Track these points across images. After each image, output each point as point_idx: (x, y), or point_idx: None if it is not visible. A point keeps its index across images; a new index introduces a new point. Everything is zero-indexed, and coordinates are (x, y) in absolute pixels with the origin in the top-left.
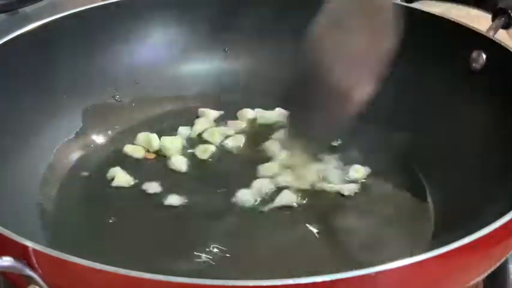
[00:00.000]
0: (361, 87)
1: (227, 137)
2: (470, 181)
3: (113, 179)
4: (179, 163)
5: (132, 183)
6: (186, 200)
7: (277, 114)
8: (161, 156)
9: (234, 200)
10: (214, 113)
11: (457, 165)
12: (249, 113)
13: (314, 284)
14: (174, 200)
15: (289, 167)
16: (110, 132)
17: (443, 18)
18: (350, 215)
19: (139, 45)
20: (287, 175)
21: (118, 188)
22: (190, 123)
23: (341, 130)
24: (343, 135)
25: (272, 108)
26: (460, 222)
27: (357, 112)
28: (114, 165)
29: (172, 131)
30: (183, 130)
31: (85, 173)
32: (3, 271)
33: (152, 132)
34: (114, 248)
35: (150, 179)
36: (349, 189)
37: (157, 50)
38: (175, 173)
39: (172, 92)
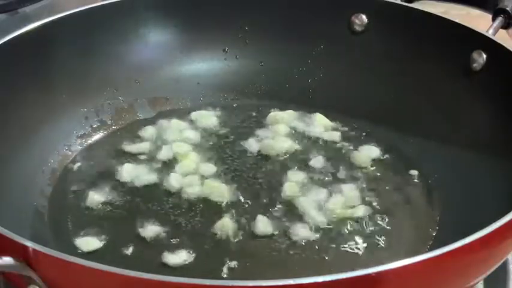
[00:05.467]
0: None
1: None
2: (472, 180)
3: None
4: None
5: (133, 181)
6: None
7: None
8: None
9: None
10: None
11: (459, 165)
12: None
13: (314, 284)
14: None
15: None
16: (109, 131)
17: (443, 18)
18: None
19: (139, 45)
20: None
21: (119, 186)
22: (191, 125)
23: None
24: (343, 135)
25: (271, 108)
26: (462, 222)
27: (357, 112)
28: (114, 165)
29: (173, 132)
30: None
31: (85, 173)
32: (3, 271)
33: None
34: (114, 248)
35: (150, 178)
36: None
37: (157, 50)
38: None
39: (172, 92)
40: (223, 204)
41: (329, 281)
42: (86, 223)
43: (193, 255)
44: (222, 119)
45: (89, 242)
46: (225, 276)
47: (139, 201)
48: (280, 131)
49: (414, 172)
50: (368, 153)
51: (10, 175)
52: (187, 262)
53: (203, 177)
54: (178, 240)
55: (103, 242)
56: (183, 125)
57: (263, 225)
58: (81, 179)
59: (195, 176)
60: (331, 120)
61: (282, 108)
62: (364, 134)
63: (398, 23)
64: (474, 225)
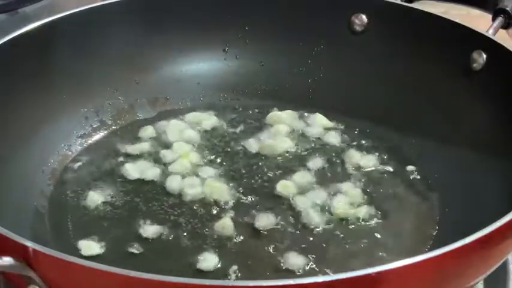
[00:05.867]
0: None
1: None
2: (472, 180)
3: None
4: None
5: (133, 181)
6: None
7: None
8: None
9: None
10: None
11: (459, 165)
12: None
13: (315, 284)
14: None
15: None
16: (109, 131)
17: (443, 18)
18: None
19: (139, 45)
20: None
21: (119, 186)
22: (191, 125)
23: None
24: (343, 136)
25: (271, 108)
26: (462, 222)
27: (357, 112)
28: (114, 165)
29: (173, 132)
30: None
31: (85, 173)
32: (3, 271)
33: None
34: (114, 248)
35: (150, 178)
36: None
37: (157, 50)
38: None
39: (172, 92)
40: (224, 204)
41: (329, 281)
42: (86, 223)
43: (193, 255)
44: (222, 119)
45: (90, 246)
46: (225, 276)
47: (139, 201)
48: (280, 131)
49: (414, 172)
50: (368, 153)
51: (10, 175)
52: (187, 262)
53: (203, 178)
54: (178, 240)
55: (103, 243)
56: (183, 125)
57: (263, 225)
58: (81, 179)
59: (195, 176)
60: (331, 120)
61: (282, 108)
62: (364, 134)
63: (398, 23)
64: (474, 225)
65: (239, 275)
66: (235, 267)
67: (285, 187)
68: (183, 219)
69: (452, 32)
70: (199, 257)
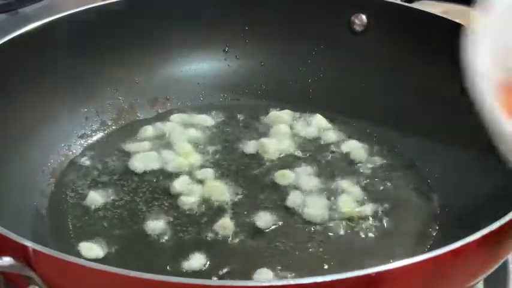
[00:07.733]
0: None
1: None
2: (472, 180)
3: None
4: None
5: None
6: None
7: None
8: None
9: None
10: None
11: (459, 165)
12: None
13: (314, 284)
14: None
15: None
16: (109, 131)
17: (443, 18)
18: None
19: (140, 45)
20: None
21: (119, 186)
22: (192, 125)
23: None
24: (343, 136)
25: (271, 108)
26: (461, 222)
27: (357, 112)
28: (114, 165)
29: (173, 132)
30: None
31: (85, 173)
32: (3, 271)
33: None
34: (114, 248)
35: (149, 178)
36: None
37: (157, 50)
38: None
39: (172, 92)
40: (224, 204)
41: (329, 281)
42: (86, 223)
43: (194, 255)
44: (222, 119)
45: (91, 248)
46: (225, 275)
47: (139, 201)
48: (279, 131)
49: (414, 172)
50: (367, 153)
51: (10, 175)
52: (187, 262)
53: (203, 178)
54: (178, 240)
55: (103, 244)
56: (182, 125)
57: (263, 224)
58: (81, 179)
59: (195, 177)
60: (331, 120)
61: (282, 108)
62: (363, 134)
63: (398, 23)
64: (474, 225)
65: (239, 274)
66: (235, 267)
67: (283, 176)
68: (183, 220)
69: (452, 32)
70: (199, 257)
